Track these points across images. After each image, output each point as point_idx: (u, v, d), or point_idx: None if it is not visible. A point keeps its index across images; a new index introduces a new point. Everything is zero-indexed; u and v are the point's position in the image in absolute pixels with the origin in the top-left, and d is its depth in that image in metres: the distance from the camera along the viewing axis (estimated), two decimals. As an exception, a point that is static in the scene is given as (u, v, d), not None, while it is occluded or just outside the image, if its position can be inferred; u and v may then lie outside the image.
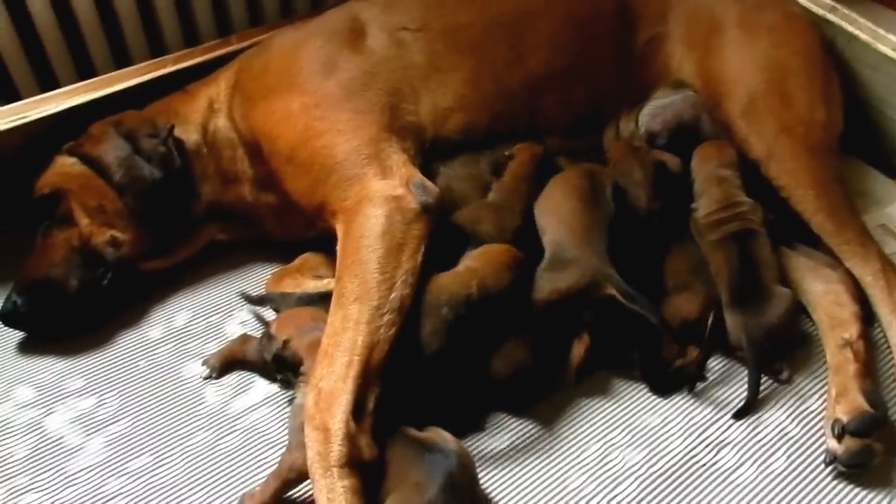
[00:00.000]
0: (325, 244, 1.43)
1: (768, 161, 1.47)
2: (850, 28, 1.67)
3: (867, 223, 1.45)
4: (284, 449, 1.17)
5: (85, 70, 1.69)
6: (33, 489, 1.21)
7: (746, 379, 1.31)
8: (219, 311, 1.47)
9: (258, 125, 1.41)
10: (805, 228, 1.44)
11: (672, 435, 1.28)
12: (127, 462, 1.24)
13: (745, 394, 1.31)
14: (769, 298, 1.33)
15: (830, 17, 1.69)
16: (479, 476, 1.21)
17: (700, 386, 1.34)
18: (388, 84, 1.43)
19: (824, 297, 1.40)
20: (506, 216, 1.40)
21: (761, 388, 1.32)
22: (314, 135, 1.35)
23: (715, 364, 1.37)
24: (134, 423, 1.30)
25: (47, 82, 1.66)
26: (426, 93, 1.45)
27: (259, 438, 1.27)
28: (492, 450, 1.25)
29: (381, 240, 1.23)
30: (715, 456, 1.25)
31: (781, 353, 1.36)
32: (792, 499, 1.20)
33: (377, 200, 1.27)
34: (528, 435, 1.27)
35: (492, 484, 1.21)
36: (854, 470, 1.21)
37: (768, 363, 1.34)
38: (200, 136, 1.48)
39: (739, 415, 1.30)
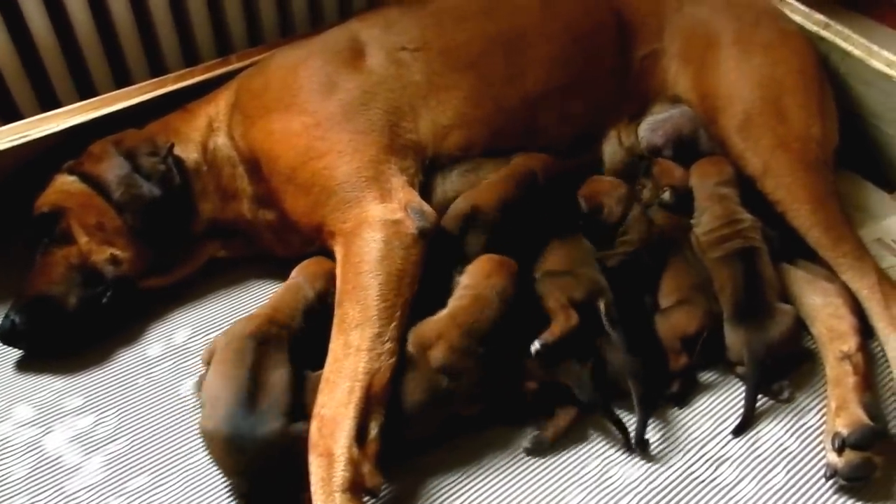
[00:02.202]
0: (323, 261, 1.44)
1: (764, 176, 1.48)
2: (843, 44, 1.68)
3: (863, 237, 1.46)
4: None
5: (86, 89, 1.71)
6: (32, 509, 1.21)
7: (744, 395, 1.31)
8: (218, 328, 1.47)
9: (258, 144, 1.42)
10: (802, 243, 1.45)
11: (671, 451, 1.27)
12: (125, 482, 1.24)
13: (743, 409, 1.31)
14: (772, 316, 1.34)
15: (824, 33, 1.71)
16: (478, 491, 1.21)
17: (698, 402, 1.34)
18: (388, 103, 1.43)
19: (823, 310, 1.41)
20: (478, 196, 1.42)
21: (760, 403, 1.32)
22: (315, 156, 1.35)
23: (713, 379, 1.37)
24: (132, 441, 1.29)
25: (48, 102, 1.68)
26: (426, 111, 1.46)
27: (258, 456, 1.27)
28: (492, 465, 1.25)
29: (381, 265, 1.24)
30: (714, 472, 1.25)
31: (783, 371, 1.36)
32: (792, 514, 1.20)
33: (376, 225, 1.27)
34: (527, 451, 1.27)
35: (491, 499, 1.21)
36: (855, 483, 1.21)
37: (768, 382, 1.34)
38: (200, 155, 1.49)
39: (738, 431, 1.29)
